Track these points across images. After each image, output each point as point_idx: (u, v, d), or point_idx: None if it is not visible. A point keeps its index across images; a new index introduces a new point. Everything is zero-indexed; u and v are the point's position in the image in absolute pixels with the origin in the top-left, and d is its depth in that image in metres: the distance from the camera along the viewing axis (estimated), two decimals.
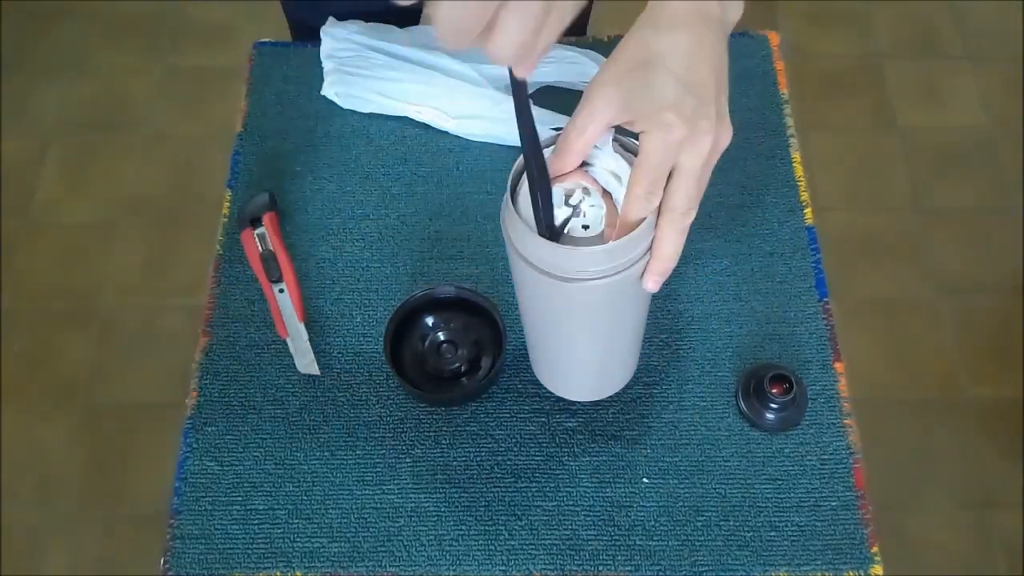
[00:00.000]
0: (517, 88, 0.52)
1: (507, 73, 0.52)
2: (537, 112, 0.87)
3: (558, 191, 0.58)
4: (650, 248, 0.58)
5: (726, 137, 0.58)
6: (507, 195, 0.58)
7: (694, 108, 0.55)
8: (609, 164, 0.58)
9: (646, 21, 0.58)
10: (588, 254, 0.56)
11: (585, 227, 0.58)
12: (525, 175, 0.57)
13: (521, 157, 0.57)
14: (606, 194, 0.59)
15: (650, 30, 0.57)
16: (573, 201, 0.58)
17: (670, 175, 0.56)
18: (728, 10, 0.60)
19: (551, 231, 0.57)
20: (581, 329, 0.64)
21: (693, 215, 0.57)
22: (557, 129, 0.86)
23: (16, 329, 1.77)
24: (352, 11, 0.95)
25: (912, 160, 1.96)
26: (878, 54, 2.12)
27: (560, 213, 0.58)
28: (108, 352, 1.75)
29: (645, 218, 0.56)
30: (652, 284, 0.59)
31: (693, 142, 0.55)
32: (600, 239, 0.57)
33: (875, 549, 0.71)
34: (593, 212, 0.58)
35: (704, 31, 0.57)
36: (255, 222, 0.83)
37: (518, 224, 0.57)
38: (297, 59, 0.96)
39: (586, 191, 0.58)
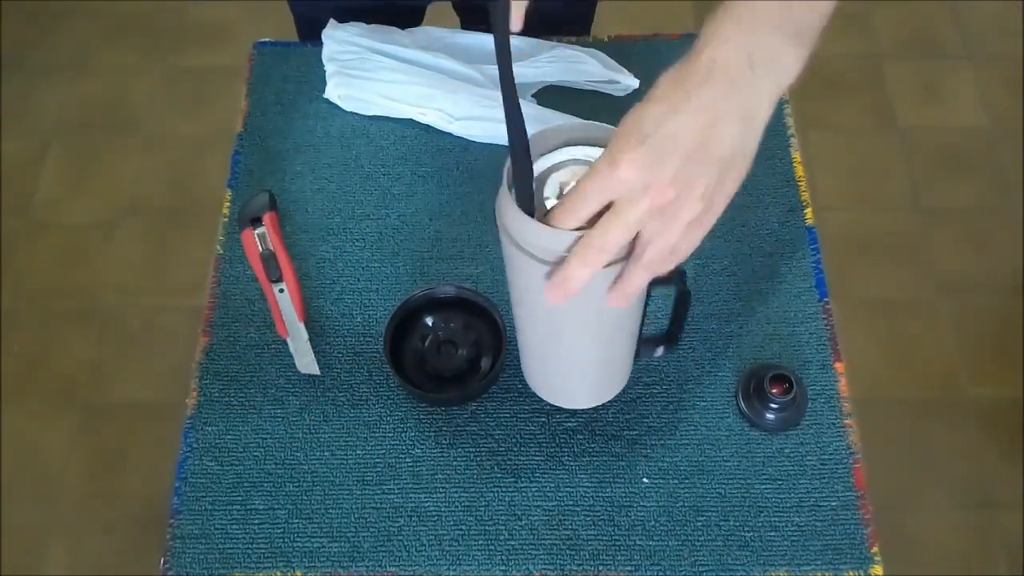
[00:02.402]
0: (502, 54, 0.51)
1: None
2: (540, 111, 0.87)
3: (553, 181, 0.59)
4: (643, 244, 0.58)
5: (688, 208, 0.53)
6: (504, 185, 0.58)
7: (647, 159, 0.51)
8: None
9: (673, 68, 0.54)
10: (574, 236, 0.55)
11: None
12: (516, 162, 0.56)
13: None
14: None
15: (666, 76, 0.53)
16: (568, 192, 0.58)
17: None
18: (764, 71, 0.54)
19: (530, 204, 0.57)
20: (574, 326, 0.64)
21: (605, 256, 0.53)
22: None
23: (16, 329, 1.77)
24: (358, 7, 0.95)
25: (912, 160, 1.96)
26: (878, 54, 2.12)
27: (552, 204, 0.58)
28: (108, 352, 1.75)
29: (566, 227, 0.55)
30: (550, 296, 0.56)
31: (634, 189, 0.52)
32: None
33: (875, 549, 0.71)
34: None
35: (710, 90, 0.52)
36: (255, 222, 0.83)
37: (514, 212, 0.56)
38: (297, 59, 0.96)
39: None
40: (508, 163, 0.58)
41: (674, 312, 0.71)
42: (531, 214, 0.57)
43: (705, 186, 0.53)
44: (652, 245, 0.54)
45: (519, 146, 0.55)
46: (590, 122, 0.60)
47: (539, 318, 0.65)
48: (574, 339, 0.66)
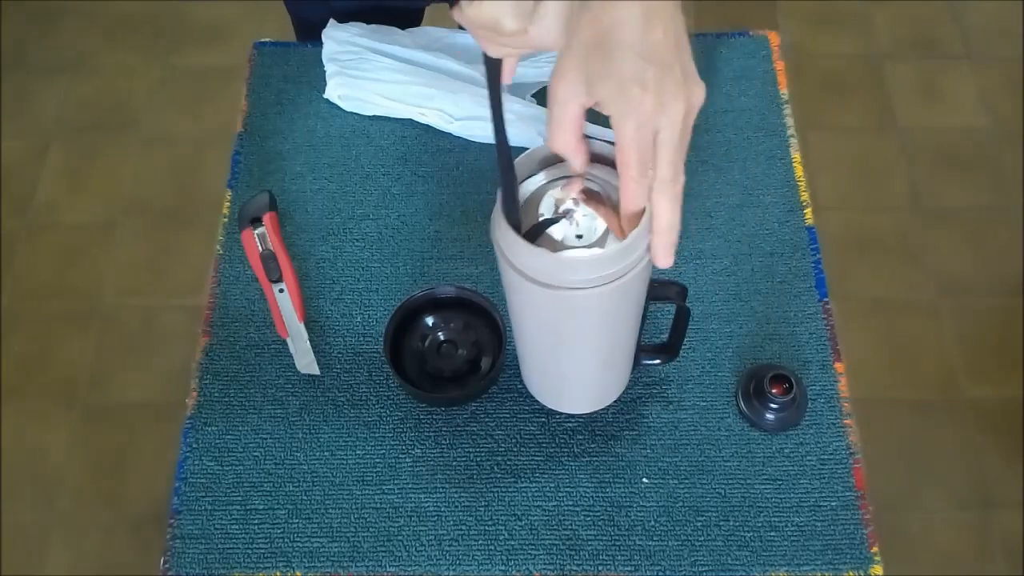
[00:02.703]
0: (491, 76, 0.53)
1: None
2: (538, 110, 0.87)
3: (549, 199, 0.59)
4: (643, 255, 0.58)
5: (699, 94, 0.56)
6: (497, 206, 0.58)
7: (657, 76, 0.53)
8: (586, 212, 0.58)
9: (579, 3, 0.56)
10: (578, 261, 0.56)
11: (579, 236, 0.58)
12: (502, 182, 0.57)
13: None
14: (596, 204, 0.58)
15: (595, 7, 0.55)
16: (563, 209, 0.58)
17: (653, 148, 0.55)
18: None
19: (518, 224, 0.57)
20: (573, 340, 0.64)
21: (682, 180, 0.56)
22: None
23: (16, 329, 1.77)
24: (355, 9, 0.95)
25: (912, 160, 1.96)
26: (878, 54, 2.12)
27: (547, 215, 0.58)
28: (108, 352, 1.75)
29: (646, 199, 0.56)
30: (664, 260, 0.57)
31: (665, 111, 0.54)
32: (599, 246, 0.57)
33: (875, 549, 0.71)
34: (586, 221, 0.58)
35: (652, 3, 0.55)
36: (255, 222, 0.83)
37: (508, 234, 0.57)
38: (297, 59, 0.96)
39: (576, 202, 0.58)
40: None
41: (674, 326, 0.72)
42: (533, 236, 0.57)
43: (694, 69, 0.56)
44: (684, 142, 0.56)
45: (508, 187, 0.56)
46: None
47: (538, 331, 0.65)
48: (573, 351, 0.66)
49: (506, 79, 0.54)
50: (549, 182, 0.60)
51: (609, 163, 0.59)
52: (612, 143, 0.55)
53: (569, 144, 0.57)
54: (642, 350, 0.74)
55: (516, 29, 0.48)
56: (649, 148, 0.54)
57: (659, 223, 0.56)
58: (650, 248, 0.57)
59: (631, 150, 0.54)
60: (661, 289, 0.66)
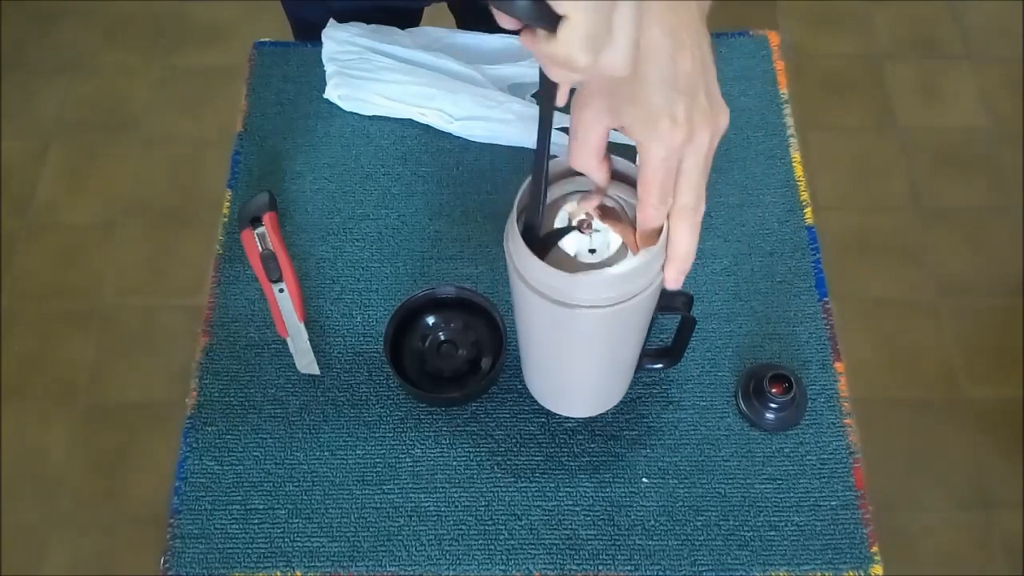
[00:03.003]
0: (546, 96, 0.53)
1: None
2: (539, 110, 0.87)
3: (563, 213, 0.59)
4: (655, 277, 0.58)
5: (724, 120, 0.57)
6: (511, 219, 0.58)
7: (686, 106, 0.54)
8: (600, 227, 0.59)
9: None
10: (590, 282, 0.56)
11: (592, 251, 0.58)
12: (530, 196, 0.57)
13: (526, 182, 0.57)
14: (611, 219, 0.59)
15: None
16: (578, 221, 0.58)
17: (677, 176, 0.56)
18: None
19: (536, 233, 0.57)
20: (579, 353, 0.64)
21: (703, 208, 0.57)
22: (562, 129, 0.87)
23: (16, 329, 1.77)
24: (353, 9, 0.95)
25: (912, 160, 1.96)
26: (878, 54, 2.12)
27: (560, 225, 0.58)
28: (108, 352, 1.75)
29: (663, 226, 0.56)
30: (673, 283, 0.59)
31: (692, 141, 0.55)
32: (606, 265, 0.57)
33: (875, 549, 0.71)
34: (599, 237, 0.58)
35: (673, 17, 0.55)
36: (255, 222, 0.83)
37: (522, 249, 0.57)
38: (297, 59, 0.96)
39: (589, 215, 0.58)
40: (520, 193, 0.58)
41: (678, 334, 0.72)
42: (547, 244, 0.58)
43: (718, 92, 0.57)
44: (706, 171, 0.57)
45: (536, 196, 0.57)
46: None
47: (543, 341, 0.65)
48: (578, 361, 0.66)
49: (560, 101, 0.54)
50: (565, 195, 0.60)
51: (627, 181, 0.59)
52: (631, 161, 0.56)
53: (591, 164, 0.57)
54: (645, 355, 0.74)
55: (589, 63, 0.49)
56: (672, 176, 0.55)
57: (677, 250, 0.57)
58: (664, 270, 0.58)
59: (655, 178, 0.55)
60: (669, 299, 0.66)
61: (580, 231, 0.58)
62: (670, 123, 0.53)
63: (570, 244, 0.58)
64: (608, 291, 0.56)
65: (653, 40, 0.54)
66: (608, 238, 0.58)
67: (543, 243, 0.58)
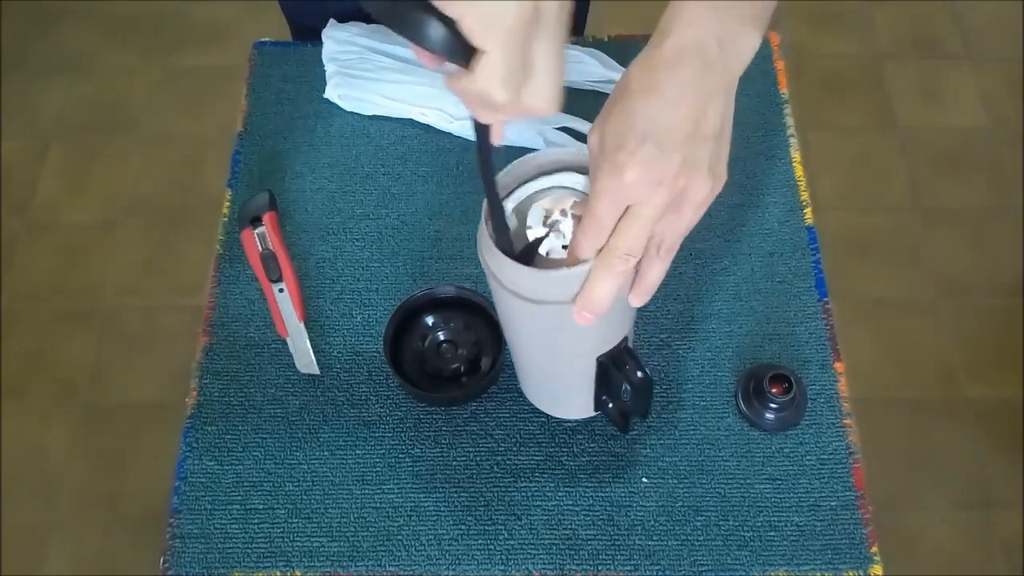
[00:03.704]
0: (480, 138, 0.53)
1: None
2: None
3: (537, 210, 0.59)
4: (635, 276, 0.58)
5: (699, 186, 0.53)
6: (483, 222, 0.58)
7: (650, 155, 0.51)
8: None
9: (639, 58, 0.55)
10: (562, 278, 0.55)
11: (565, 247, 0.58)
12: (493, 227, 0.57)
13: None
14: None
15: (636, 69, 0.54)
16: (551, 221, 0.58)
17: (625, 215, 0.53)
18: (732, 48, 0.55)
19: (509, 245, 0.57)
20: (564, 351, 0.64)
21: (631, 261, 0.54)
22: (562, 128, 0.87)
23: (16, 329, 1.77)
24: (352, 11, 0.95)
25: (912, 160, 1.96)
26: (878, 54, 2.12)
27: (536, 232, 0.58)
28: (108, 352, 1.75)
29: (590, 256, 0.55)
30: (580, 319, 0.56)
31: (646, 189, 0.52)
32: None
33: (875, 549, 0.71)
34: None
35: (689, 74, 0.53)
36: (255, 222, 0.83)
37: (495, 253, 0.57)
38: (297, 59, 0.96)
39: (564, 212, 0.58)
40: (484, 203, 0.58)
41: (635, 397, 0.67)
42: (530, 254, 0.57)
43: (709, 164, 0.54)
44: (669, 233, 0.55)
45: (494, 209, 0.56)
46: (561, 148, 0.60)
47: (531, 344, 0.65)
48: (567, 361, 0.65)
49: (495, 140, 0.54)
50: (540, 190, 0.60)
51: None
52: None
53: (596, 245, 0.54)
54: (614, 413, 0.72)
55: (508, 100, 0.48)
56: (611, 216, 0.53)
57: (587, 289, 0.54)
58: (574, 302, 0.56)
59: (594, 205, 0.53)
60: (617, 360, 0.64)
61: (554, 234, 0.58)
62: (627, 158, 0.51)
63: (544, 244, 0.58)
64: (576, 286, 0.56)
65: (657, 84, 0.52)
66: None
67: (522, 257, 0.57)
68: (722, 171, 0.56)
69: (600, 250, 0.54)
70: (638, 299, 0.58)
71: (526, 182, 0.60)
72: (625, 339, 0.64)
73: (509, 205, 0.59)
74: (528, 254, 0.58)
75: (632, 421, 0.74)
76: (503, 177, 0.59)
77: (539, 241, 0.58)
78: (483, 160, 0.55)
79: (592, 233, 0.54)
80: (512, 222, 0.59)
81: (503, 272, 0.57)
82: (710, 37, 0.53)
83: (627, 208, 0.53)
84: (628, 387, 0.64)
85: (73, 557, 1.56)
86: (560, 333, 0.61)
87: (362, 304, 0.82)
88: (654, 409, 0.76)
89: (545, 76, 0.49)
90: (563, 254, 0.58)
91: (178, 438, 0.76)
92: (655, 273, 0.57)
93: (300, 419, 0.77)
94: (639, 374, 0.62)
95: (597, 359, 0.63)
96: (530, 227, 0.58)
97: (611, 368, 0.63)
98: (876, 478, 1.53)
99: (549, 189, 0.60)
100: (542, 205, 0.59)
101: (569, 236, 0.58)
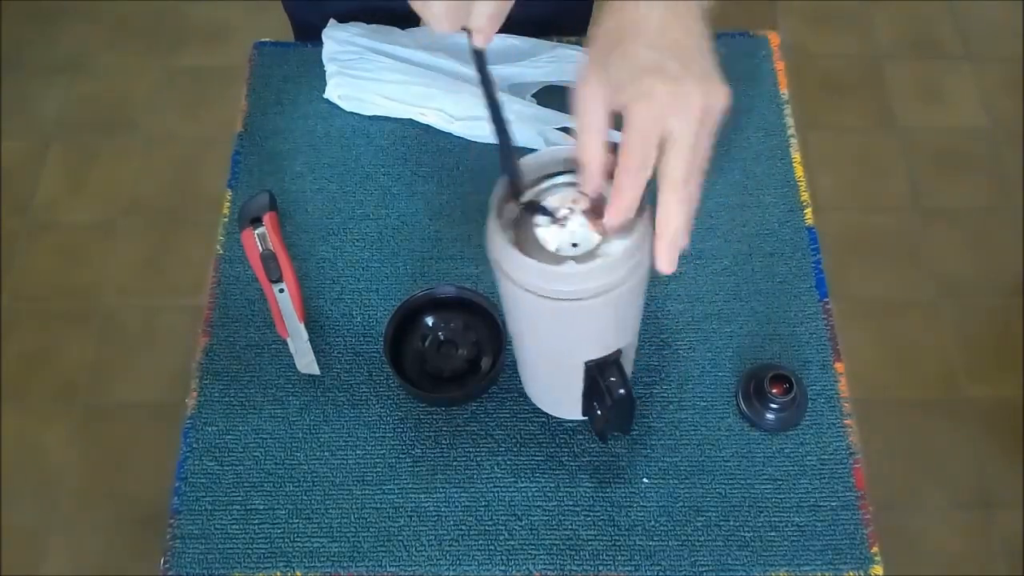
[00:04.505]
0: (478, 59, 0.55)
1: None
2: (542, 111, 0.87)
3: (548, 204, 0.59)
4: (635, 269, 0.58)
5: (718, 95, 0.54)
6: (491, 216, 0.58)
7: (675, 67, 0.53)
8: (582, 222, 0.59)
9: (611, 9, 0.57)
10: (571, 273, 0.56)
11: (575, 245, 0.58)
12: (510, 188, 0.57)
13: (501, 180, 0.57)
14: (593, 215, 0.58)
15: (616, 15, 0.56)
16: (560, 216, 0.58)
17: (665, 146, 0.53)
18: None
19: (519, 192, 0.58)
20: (569, 350, 0.64)
21: (694, 185, 0.54)
22: (562, 129, 0.87)
23: (16, 329, 1.77)
24: (354, 10, 0.95)
25: (912, 160, 1.96)
26: (878, 54, 2.12)
27: (544, 230, 0.58)
28: (108, 352, 1.75)
29: (638, 195, 0.54)
30: (666, 266, 0.55)
31: (680, 105, 0.52)
32: (588, 258, 0.57)
33: (875, 549, 0.71)
34: (582, 232, 0.58)
35: (667, 5, 0.55)
36: (255, 222, 0.83)
37: (502, 243, 0.57)
38: (297, 59, 0.96)
39: (571, 210, 0.58)
40: (496, 192, 0.58)
41: (615, 412, 0.67)
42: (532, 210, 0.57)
43: (717, 72, 0.56)
44: (699, 148, 0.55)
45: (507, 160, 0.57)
46: (562, 147, 0.60)
47: (535, 341, 0.65)
48: (571, 360, 0.65)
49: (479, 43, 0.56)
50: (550, 187, 0.60)
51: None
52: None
53: (596, 150, 0.55)
54: (595, 428, 0.72)
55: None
56: (654, 142, 0.53)
57: (665, 224, 0.54)
58: (654, 252, 0.56)
59: (636, 140, 0.53)
60: (601, 372, 0.64)
61: (557, 222, 0.58)
62: (655, 79, 0.52)
63: (551, 240, 0.58)
64: (589, 282, 0.56)
65: (645, 16, 0.54)
66: (591, 233, 0.58)
67: (529, 208, 0.58)
68: (721, 80, 0.56)
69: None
70: (664, 250, 0.56)
71: (533, 183, 0.60)
72: (619, 351, 0.64)
73: (507, 220, 0.59)
74: (531, 210, 0.58)
75: (611, 434, 0.74)
76: (496, 191, 0.59)
77: (543, 208, 0.58)
78: (485, 82, 0.57)
79: (638, 167, 0.53)
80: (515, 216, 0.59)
81: (513, 267, 0.57)
82: None
83: (666, 134, 0.53)
84: (610, 401, 0.64)
85: (73, 557, 1.57)
86: (566, 330, 0.61)
87: (362, 304, 0.82)
88: (654, 409, 0.76)
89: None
90: (573, 251, 0.57)
91: (178, 438, 0.76)
92: (674, 212, 0.56)
93: (300, 419, 0.77)
94: (620, 391, 0.62)
95: (585, 363, 0.63)
96: (538, 225, 0.58)
97: (597, 377, 0.63)
98: (876, 478, 1.53)
99: (553, 187, 0.60)
100: (552, 200, 0.59)
101: (577, 231, 0.57)
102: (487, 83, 0.57)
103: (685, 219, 0.54)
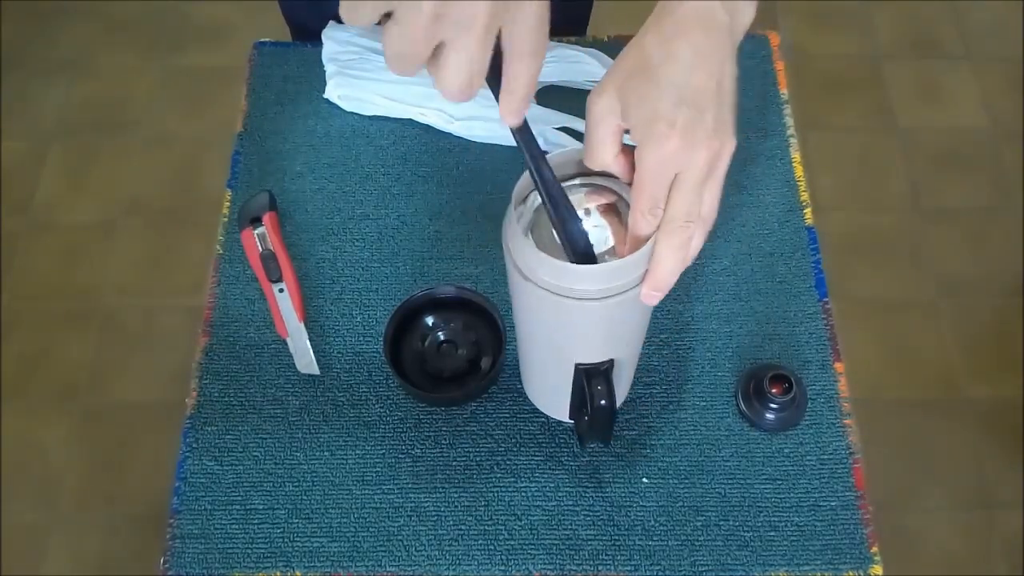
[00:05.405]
0: (521, 137, 0.54)
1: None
2: (542, 111, 0.87)
3: None
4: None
5: (728, 146, 0.56)
6: (511, 209, 0.58)
7: (689, 119, 0.54)
8: (599, 223, 0.59)
9: (649, 26, 0.57)
10: (587, 273, 0.56)
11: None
12: (537, 194, 0.57)
13: (523, 174, 0.57)
14: (611, 213, 0.59)
15: (651, 37, 0.56)
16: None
17: (670, 187, 0.55)
18: (736, 14, 0.58)
19: (582, 255, 0.57)
20: (575, 350, 0.64)
21: (692, 228, 0.56)
22: (562, 129, 0.87)
23: (16, 329, 1.77)
24: None
25: (912, 160, 1.96)
26: (878, 54, 2.12)
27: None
28: (108, 352, 1.75)
29: (653, 233, 0.56)
30: (648, 298, 0.58)
31: (688, 154, 0.54)
32: (603, 259, 0.57)
33: (875, 549, 0.71)
34: (597, 232, 0.58)
35: (704, 38, 0.56)
36: (255, 222, 0.83)
37: (519, 238, 0.57)
38: (297, 59, 0.96)
39: (588, 212, 0.58)
40: (517, 185, 0.58)
41: (595, 420, 0.67)
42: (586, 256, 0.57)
43: (731, 120, 0.57)
44: (708, 195, 0.57)
45: (565, 222, 0.56)
46: (571, 149, 0.60)
47: (541, 339, 0.65)
48: (567, 360, 0.65)
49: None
50: (571, 186, 0.60)
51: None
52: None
53: (606, 160, 0.57)
54: (580, 435, 0.72)
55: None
56: (663, 186, 0.55)
57: (657, 264, 0.56)
58: (642, 284, 0.57)
59: (645, 184, 0.55)
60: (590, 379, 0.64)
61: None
62: (667, 128, 0.53)
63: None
64: (603, 283, 0.56)
65: (677, 50, 0.55)
66: (607, 234, 0.58)
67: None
68: (732, 130, 0.58)
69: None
70: (648, 289, 0.58)
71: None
72: (611, 362, 0.64)
73: (528, 211, 0.59)
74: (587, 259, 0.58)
75: (590, 442, 0.74)
76: (520, 182, 0.59)
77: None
78: (527, 150, 0.55)
79: (650, 209, 0.55)
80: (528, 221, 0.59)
81: (529, 263, 0.57)
82: (717, 3, 0.57)
83: (675, 176, 0.55)
84: (590, 408, 0.64)
85: (73, 557, 1.56)
86: (574, 329, 0.61)
87: (362, 304, 0.82)
88: (654, 409, 0.76)
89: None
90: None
91: (178, 438, 0.76)
92: (697, 242, 0.58)
93: (300, 419, 0.77)
94: (602, 401, 0.63)
95: (576, 366, 0.64)
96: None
97: (584, 383, 0.64)
98: (876, 478, 1.53)
99: (579, 186, 0.60)
100: (572, 200, 0.59)
101: (594, 236, 0.58)
102: (535, 159, 0.55)
103: (676, 265, 0.56)
